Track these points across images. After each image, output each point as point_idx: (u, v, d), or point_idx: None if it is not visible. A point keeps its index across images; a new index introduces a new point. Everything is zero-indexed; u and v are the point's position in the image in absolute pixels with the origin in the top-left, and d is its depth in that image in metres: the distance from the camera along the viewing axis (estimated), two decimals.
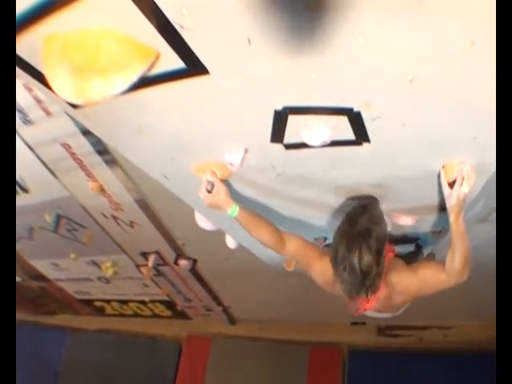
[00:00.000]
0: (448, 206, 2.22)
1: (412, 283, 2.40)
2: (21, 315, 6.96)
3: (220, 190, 2.40)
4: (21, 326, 6.77)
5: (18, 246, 5.09)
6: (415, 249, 3.16)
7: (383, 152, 2.09)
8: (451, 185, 2.17)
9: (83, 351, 6.46)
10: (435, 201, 2.48)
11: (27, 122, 3.41)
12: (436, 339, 5.09)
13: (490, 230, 2.57)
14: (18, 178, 4.09)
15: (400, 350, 5.19)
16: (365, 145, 2.03)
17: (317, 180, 2.45)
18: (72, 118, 2.95)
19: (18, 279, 6.03)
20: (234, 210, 2.43)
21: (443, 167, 2.15)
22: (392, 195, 2.52)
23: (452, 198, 2.17)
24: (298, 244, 2.57)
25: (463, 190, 2.12)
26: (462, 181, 2.11)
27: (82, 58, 1.61)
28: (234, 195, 2.54)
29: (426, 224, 2.86)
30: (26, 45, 1.68)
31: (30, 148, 3.71)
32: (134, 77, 1.59)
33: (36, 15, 1.53)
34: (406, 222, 2.80)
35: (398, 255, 2.67)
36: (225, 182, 2.47)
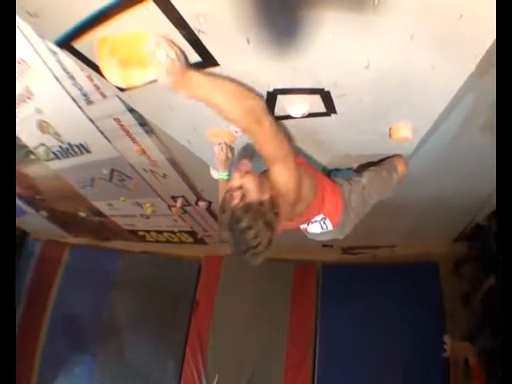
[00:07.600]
0: None
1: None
2: (86, 240, 7.10)
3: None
4: (86, 249, 6.94)
5: (83, 191, 5.21)
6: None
7: (347, 120, 2.08)
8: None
9: (131, 267, 6.54)
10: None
11: (89, 102, 3.44)
12: (385, 255, 5.04)
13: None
14: (83, 142, 4.13)
15: (359, 264, 5.13)
16: (333, 116, 2.04)
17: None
18: (121, 99, 2.95)
19: (83, 215, 6.10)
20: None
21: (390, 129, 2.11)
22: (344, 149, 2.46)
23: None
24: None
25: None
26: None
27: (125, 55, 1.62)
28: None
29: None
30: (87, 45, 1.69)
31: (92, 121, 3.72)
32: None
33: (92, 23, 1.54)
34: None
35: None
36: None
